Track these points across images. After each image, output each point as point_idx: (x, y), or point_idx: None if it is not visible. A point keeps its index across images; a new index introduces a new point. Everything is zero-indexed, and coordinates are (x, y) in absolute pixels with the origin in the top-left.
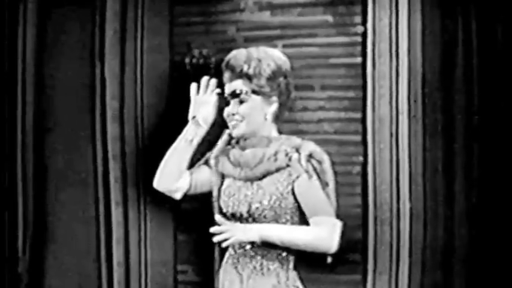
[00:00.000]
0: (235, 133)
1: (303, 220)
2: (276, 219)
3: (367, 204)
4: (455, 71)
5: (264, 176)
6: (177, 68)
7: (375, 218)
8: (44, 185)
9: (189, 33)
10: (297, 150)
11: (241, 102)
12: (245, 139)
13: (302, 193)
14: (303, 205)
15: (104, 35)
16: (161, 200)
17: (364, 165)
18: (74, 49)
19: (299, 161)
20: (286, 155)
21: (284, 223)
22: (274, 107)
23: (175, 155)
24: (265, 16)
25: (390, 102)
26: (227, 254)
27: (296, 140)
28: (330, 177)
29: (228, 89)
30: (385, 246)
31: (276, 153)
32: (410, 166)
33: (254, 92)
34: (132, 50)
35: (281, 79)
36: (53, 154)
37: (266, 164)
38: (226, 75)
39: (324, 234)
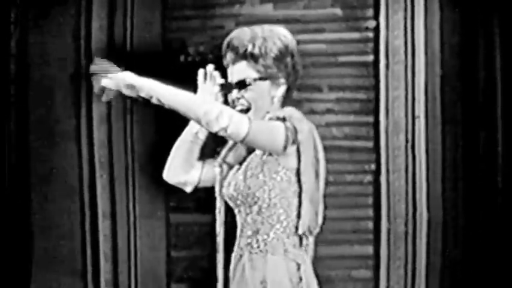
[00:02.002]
0: None
1: (293, 196)
2: (262, 187)
3: (380, 216)
4: (477, 70)
5: (249, 151)
6: (171, 66)
7: (388, 232)
8: (28, 194)
9: (184, 29)
10: (272, 113)
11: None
12: None
13: None
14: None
15: (90, 31)
16: (153, 212)
17: (377, 173)
18: (58, 47)
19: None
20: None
21: (274, 194)
22: (282, 89)
23: (181, 147)
24: (268, 9)
25: (406, 105)
26: (233, 254)
27: (281, 109)
28: (305, 149)
29: (231, 73)
30: (399, 262)
31: None
32: (428, 175)
33: (261, 78)
34: (121, 46)
35: (288, 59)
36: (37, 160)
37: None
38: (229, 56)
39: (206, 104)
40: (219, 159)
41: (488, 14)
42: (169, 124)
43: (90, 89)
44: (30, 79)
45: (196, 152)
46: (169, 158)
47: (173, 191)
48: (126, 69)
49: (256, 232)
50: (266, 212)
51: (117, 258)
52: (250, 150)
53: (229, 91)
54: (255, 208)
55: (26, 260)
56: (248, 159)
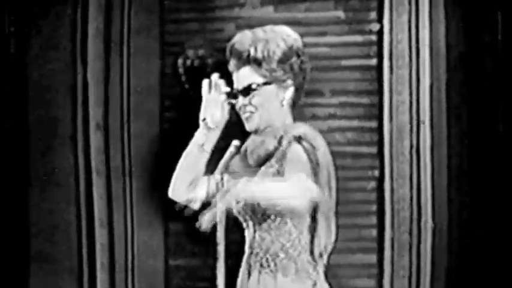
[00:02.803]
0: (249, 127)
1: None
2: (274, 205)
3: (384, 224)
4: (484, 75)
5: (259, 164)
6: (169, 71)
7: (392, 240)
8: (26, 198)
9: (182, 32)
10: (286, 132)
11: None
12: (259, 131)
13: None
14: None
15: (86, 34)
16: (151, 220)
17: (381, 180)
18: (53, 50)
19: (281, 139)
20: (275, 137)
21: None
22: (290, 91)
23: (187, 162)
24: (268, 12)
25: (410, 110)
26: (241, 269)
27: (294, 126)
28: (322, 167)
29: (236, 79)
30: (403, 272)
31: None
32: (433, 181)
33: (266, 83)
34: (118, 51)
35: (294, 59)
36: (32, 165)
37: (257, 150)
38: (232, 62)
39: (294, 184)
40: (220, 167)
41: (493, 15)
42: (167, 129)
43: (86, 94)
44: (27, 82)
45: (203, 165)
46: (175, 175)
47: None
48: (121, 73)
49: (266, 251)
50: (276, 231)
51: (114, 267)
52: (259, 163)
53: (236, 98)
54: (265, 226)
55: (24, 264)
56: (258, 174)
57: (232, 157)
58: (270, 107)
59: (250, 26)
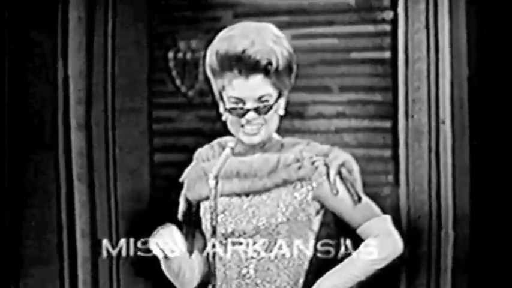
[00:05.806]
0: (251, 141)
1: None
2: (289, 235)
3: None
4: (510, 67)
5: (277, 186)
6: (159, 65)
7: (409, 253)
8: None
9: (174, 21)
10: (325, 160)
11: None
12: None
13: (331, 205)
14: (337, 215)
15: (67, 24)
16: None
17: (396, 186)
18: (31, 42)
19: (327, 174)
20: (313, 163)
21: (301, 237)
22: (284, 98)
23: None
24: None
25: (428, 109)
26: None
27: (318, 146)
28: (360, 185)
29: (241, 89)
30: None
31: (298, 161)
32: (454, 188)
33: (280, 95)
34: (102, 42)
35: (294, 64)
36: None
37: (283, 172)
38: (236, 70)
39: (388, 241)
40: (215, 171)
41: None
42: (156, 129)
43: (67, 90)
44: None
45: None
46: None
47: (156, 202)
48: (105, 68)
49: (264, 280)
50: (280, 264)
51: (98, 282)
52: (279, 185)
53: (243, 116)
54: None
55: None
56: (272, 194)
57: (227, 159)
58: (275, 118)
59: (250, 14)
